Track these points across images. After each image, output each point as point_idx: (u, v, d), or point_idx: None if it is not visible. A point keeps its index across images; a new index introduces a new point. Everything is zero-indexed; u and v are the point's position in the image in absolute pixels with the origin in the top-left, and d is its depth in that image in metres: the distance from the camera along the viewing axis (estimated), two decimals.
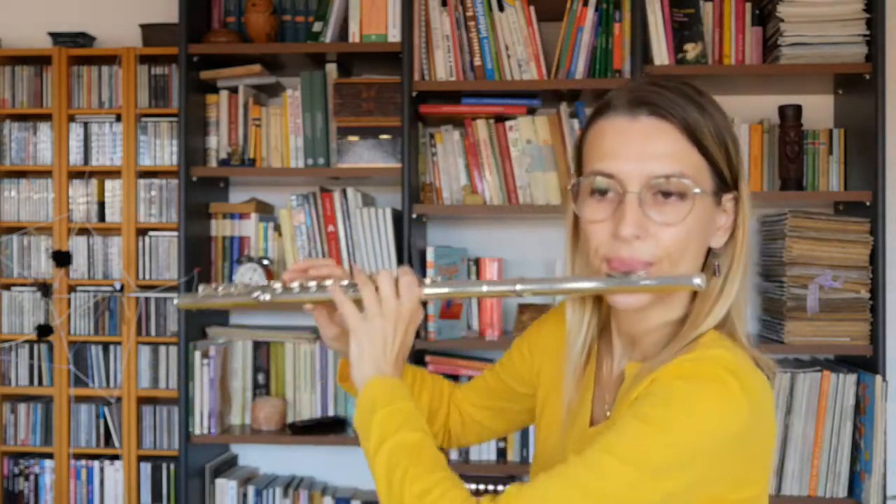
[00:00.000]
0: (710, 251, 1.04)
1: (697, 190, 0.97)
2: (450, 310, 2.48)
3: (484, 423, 1.32)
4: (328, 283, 1.09)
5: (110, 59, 2.68)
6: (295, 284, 1.11)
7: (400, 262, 2.46)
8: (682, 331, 1.01)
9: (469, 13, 2.47)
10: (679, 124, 0.98)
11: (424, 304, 1.10)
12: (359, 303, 1.06)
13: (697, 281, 0.95)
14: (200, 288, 1.16)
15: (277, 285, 1.12)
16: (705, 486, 0.91)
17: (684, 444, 0.88)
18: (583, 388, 1.12)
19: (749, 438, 0.92)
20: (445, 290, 1.07)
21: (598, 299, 1.11)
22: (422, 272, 2.43)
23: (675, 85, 1.01)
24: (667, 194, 0.97)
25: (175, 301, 1.20)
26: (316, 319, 1.18)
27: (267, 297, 1.10)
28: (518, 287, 1.02)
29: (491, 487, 2.50)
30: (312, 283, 1.11)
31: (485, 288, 1.05)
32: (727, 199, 1.02)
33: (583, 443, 1.07)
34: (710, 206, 1.00)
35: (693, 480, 0.90)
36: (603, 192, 0.99)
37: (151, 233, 2.67)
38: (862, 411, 2.30)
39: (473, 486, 2.50)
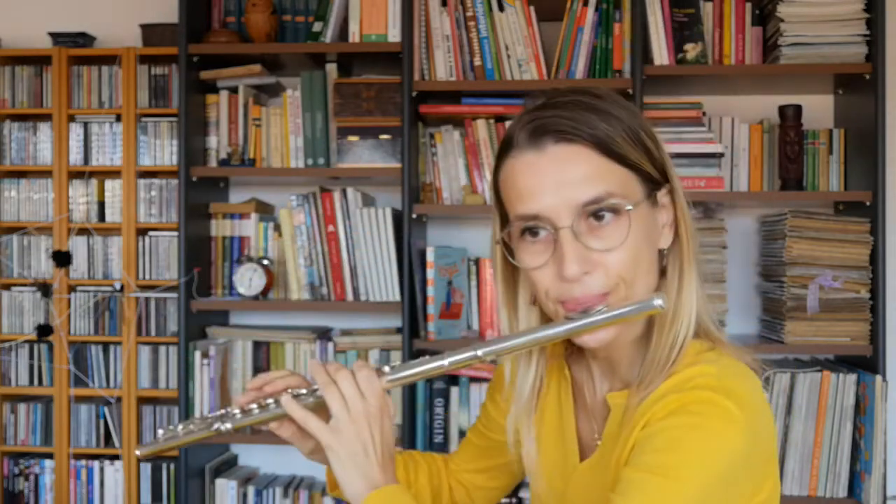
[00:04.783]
0: (660, 252, 0.98)
1: (629, 206, 0.91)
2: (450, 310, 2.48)
3: (487, 485, 1.27)
4: (283, 398, 0.99)
5: (110, 59, 2.68)
6: (254, 406, 1.03)
7: (400, 262, 2.46)
8: (653, 345, 0.95)
9: (469, 13, 2.47)
10: (589, 142, 0.91)
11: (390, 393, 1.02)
12: (323, 407, 0.97)
13: (658, 302, 0.90)
14: (160, 432, 1.08)
15: (236, 410, 1.04)
16: None
17: (697, 485, 0.85)
18: (565, 421, 1.07)
19: (754, 450, 0.90)
20: (407, 372, 1.00)
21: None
22: (422, 272, 2.43)
23: (571, 99, 0.94)
24: (599, 217, 0.91)
25: (136, 451, 1.12)
26: (287, 438, 1.05)
27: (228, 425, 1.03)
28: (480, 352, 0.98)
29: None
30: (270, 401, 1.02)
31: (447, 362, 0.99)
32: (662, 195, 0.96)
33: (576, 479, 1.03)
34: (647, 213, 0.94)
35: None
36: (535, 233, 0.93)
37: (151, 233, 2.67)
38: (862, 411, 2.30)
39: None
